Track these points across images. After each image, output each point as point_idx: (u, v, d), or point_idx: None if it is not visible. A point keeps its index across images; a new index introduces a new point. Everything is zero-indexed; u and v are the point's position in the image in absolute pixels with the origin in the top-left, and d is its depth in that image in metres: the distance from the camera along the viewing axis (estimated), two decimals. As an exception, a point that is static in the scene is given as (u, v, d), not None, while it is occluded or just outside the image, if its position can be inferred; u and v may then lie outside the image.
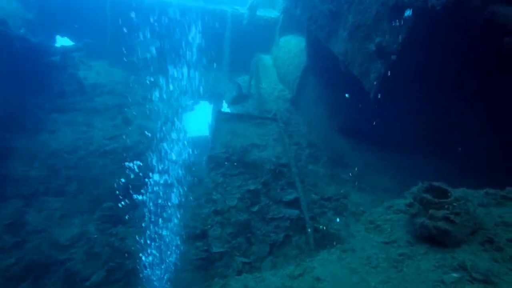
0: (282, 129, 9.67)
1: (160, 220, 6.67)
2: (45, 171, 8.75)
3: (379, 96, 8.51)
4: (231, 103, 12.55)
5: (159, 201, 7.42)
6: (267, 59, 16.07)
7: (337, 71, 10.94)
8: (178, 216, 6.65)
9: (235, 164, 8.27)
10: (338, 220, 6.94)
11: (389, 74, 7.90)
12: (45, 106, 10.47)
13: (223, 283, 4.74)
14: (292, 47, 14.79)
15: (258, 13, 15.42)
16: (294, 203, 7.37)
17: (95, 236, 6.27)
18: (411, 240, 3.81)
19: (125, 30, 13.37)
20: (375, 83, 8.28)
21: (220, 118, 9.93)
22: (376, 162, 10.06)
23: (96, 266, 5.66)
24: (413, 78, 7.76)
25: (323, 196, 7.94)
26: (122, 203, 7.60)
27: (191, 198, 7.62)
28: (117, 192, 7.98)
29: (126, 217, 7.18)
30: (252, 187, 7.34)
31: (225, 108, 15.30)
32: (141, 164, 8.37)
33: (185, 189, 8.08)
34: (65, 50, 11.30)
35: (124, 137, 10.47)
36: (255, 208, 7.03)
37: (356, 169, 10.19)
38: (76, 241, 6.12)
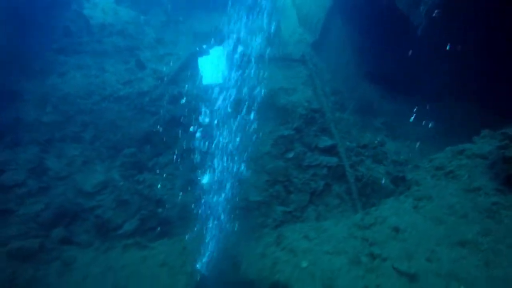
0: (313, 72, 8.82)
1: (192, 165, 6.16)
2: (59, 117, 8.12)
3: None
4: None
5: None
6: (286, -1, 14.62)
7: (370, 10, 9.81)
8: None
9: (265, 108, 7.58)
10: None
11: (443, 5, 6.91)
12: (51, 47, 9.54)
13: (278, 234, 4.32)
14: (314, -15, 13.32)
15: None
16: (330, 150, 6.81)
17: (121, 183, 5.79)
18: (501, 188, 3.26)
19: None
20: (424, 16, 7.29)
21: (244, 60, 9.04)
22: (408, 111, 9.36)
23: (127, 214, 5.25)
24: (467, 13, 6.78)
25: (359, 144, 7.35)
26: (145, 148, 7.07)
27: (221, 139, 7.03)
28: (138, 138, 7.41)
29: (150, 164, 6.65)
30: (285, 133, 6.72)
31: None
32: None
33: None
34: (68, -15, 10.07)
35: (138, 81, 9.67)
36: (290, 155, 6.49)
37: (388, 118, 9.53)
38: (102, 188, 5.67)
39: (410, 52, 8.17)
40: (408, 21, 7.45)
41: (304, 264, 3.47)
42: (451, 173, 3.82)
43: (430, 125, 8.08)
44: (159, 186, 5.80)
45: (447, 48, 7.39)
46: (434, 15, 6.93)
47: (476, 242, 2.66)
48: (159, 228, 5.10)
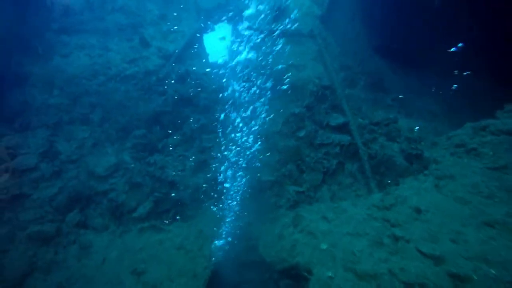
0: (323, 47, 8.52)
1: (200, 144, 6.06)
2: (65, 99, 8.01)
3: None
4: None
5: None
6: (292, -31, 13.97)
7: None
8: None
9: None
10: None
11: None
12: (51, 27, 9.28)
13: (294, 214, 4.26)
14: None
15: None
16: (342, 128, 6.66)
17: (132, 165, 5.74)
18: (529, 166, 3.13)
19: None
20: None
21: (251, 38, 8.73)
22: (419, 86, 9.09)
23: (141, 197, 5.23)
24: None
25: (372, 121, 7.17)
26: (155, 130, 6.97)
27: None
28: (146, 119, 7.30)
29: (160, 145, 6.58)
30: (296, 111, 6.56)
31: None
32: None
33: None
34: (66, -41, 9.65)
35: (144, 60, 9.44)
36: (302, 133, 6.36)
37: (399, 94, 9.28)
38: (114, 171, 5.63)
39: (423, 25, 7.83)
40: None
41: (324, 246, 3.42)
42: (473, 151, 3.68)
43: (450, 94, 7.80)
44: (170, 167, 5.75)
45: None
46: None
47: (505, 223, 2.57)
48: (173, 211, 5.08)
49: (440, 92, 8.60)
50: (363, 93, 9.23)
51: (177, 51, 9.59)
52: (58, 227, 4.41)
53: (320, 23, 12.30)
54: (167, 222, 4.81)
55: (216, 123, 6.53)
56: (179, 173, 5.61)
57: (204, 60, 10.60)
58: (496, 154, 3.46)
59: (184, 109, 7.50)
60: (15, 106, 7.51)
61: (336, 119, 6.74)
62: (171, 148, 6.46)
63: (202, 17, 12.32)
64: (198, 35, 11.22)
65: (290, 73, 7.84)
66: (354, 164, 6.04)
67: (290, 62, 8.16)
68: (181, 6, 12.01)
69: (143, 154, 6.10)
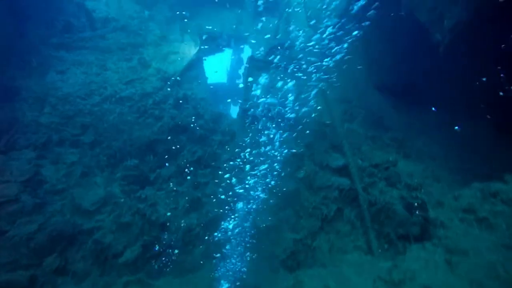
0: (325, 82, 8.42)
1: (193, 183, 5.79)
2: (57, 118, 7.67)
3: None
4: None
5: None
6: (295, -2, 14.11)
7: (384, 18, 9.35)
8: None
9: (273, 119, 7.21)
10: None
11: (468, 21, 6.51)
12: (50, 42, 9.03)
13: (295, 280, 3.98)
14: (326, -15, 12.83)
15: None
16: (342, 170, 6.46)
17: (122, 200, 5.41)
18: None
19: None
20: (448, 31, 6.89)
21: (252, 66, 8.60)
22: (419, 125, 9.01)
23: (129, 239, 4.87)
24: (496, 28, 6.38)
25: (371, 163, 7.00)
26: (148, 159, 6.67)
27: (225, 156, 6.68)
28: (140, 146, 7.00)
29: (152, 177, 6.26)
30: (295, 151, 6.36)
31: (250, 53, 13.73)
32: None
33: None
34: (70, -25, 9.51)
35: (141, 82, 9.22)
36: (301, 174, 6.13)
37: (398, 132, 9.18)
38: (102, 206, 5.28)
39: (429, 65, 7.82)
40: (427, 32, 7.05)
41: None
42: (485, 221, 3.49)
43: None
44: (162, 204, 5.43)
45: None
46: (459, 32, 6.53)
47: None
48: (163, 258, 4.70)
49: (439, 133, 8.51)
50: (362, 128, 9.10)
51: (176, 76, 9.39)
52: (32, 276, 3.99)
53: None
54: (155, 275, 4.45)
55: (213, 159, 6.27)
56: (171, 211, 5.29)
57: (202, 84, 10.45)
58: (510, 228, 3.26)
59: (180, 138, 7.23)
60: (2, 122, 7.14)
61: (336, 160, 6.55)
62: (163, 181, 6.14)
63: (204, 40, 12.25)
64: (198, 58, 11.10)
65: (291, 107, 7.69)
66: (353, 210, 5.82)
67: (291, 95, 8.01)
68: (184, 28, 11.93)
69: (134, 187, 5.77)
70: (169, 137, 6.85)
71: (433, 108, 7.16)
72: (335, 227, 5.49)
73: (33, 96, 7.87)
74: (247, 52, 14.24)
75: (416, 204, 5.81)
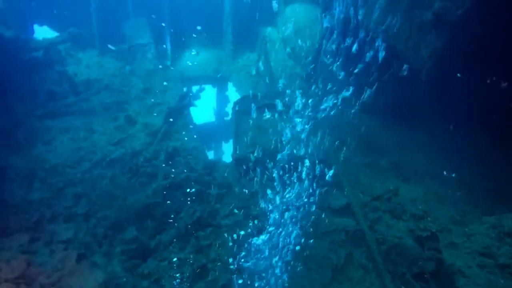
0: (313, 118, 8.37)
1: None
2: (47, 192, 7.47)
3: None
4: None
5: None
6: (273, 32, 14.38)
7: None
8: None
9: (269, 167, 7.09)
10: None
11: (446, 48, 6.60)
12: (34, 113, 8.93)
13: None
14: (300, 17, 13.13)
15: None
16: (344, 210, 6.31)
17: (124, 279, 5.15)
18: None
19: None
20: (428, 59, 6.97)
21: (240, 110, 8.57)
22: (412, 144, 8.95)
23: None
24: (472, 53, 6.47)
25: (372, 195, 6.88)
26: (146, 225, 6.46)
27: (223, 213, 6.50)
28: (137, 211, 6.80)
29: (153, 245, 6.03)
30: (296, 204, 6.21)
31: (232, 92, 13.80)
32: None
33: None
34: (49, 43, 9.56)
35: (130, 140, 9.10)
36: (303, 223, 5.94)
37: (393, 154, 9.13)
38: (104, 290, 5.00)
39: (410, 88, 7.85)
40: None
41: None
42: (507, 268, 3.32)
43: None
44: (166, 277, 5.19)
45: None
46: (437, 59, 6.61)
47: None
48: None
49: (433, 149, 8.44)
50: (356, 156, 9.03)
51: (162, 129, 9.29)
52: None
53: (305, 83, 12.40)
54: None
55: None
56: (177, 285, 5.04)
57: (191, 131, 10.34)
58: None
59: (176, 197, 7.04)
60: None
61: (337, 200, 6.41)
62: (164, 247, 5.91)
63: (188, 86, 12.29)
64: (184, 105, 11.07)
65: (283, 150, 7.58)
66: (363, 252, 5.62)
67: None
68: (167, 76, 11.98)
69: (134, 262, 5.52)
70: (165, 200, 6.64)
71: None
72: (347, 274, 5.27)
73: (21, 174, 7.67)
74: (231, 89, 14.33)
75: (425, 235, 5.66)
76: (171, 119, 9.87)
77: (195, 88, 12.03)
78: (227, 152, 14.86)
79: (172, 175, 7.50)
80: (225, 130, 14.30)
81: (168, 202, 6.78)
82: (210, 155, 14.08)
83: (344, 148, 9.23)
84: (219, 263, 5.28)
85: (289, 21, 13.73)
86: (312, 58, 11.97)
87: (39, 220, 6.86)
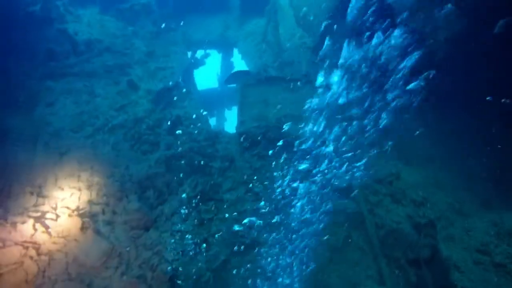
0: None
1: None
2: (51, 156, 7.43)
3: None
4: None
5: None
6: (283, -3, 13.63)
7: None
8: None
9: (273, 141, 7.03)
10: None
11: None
12: (34, 73, 8.65)
13: None
14: (313, -17, 12.38)
15: None
16: (347, 190, 6.35)
17: (128, 248, 5.28)
18: None
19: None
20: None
21: (246, 83, 8.33)
22: (416, 125, 8.85)
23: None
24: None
25: (375, 177, 6.89)
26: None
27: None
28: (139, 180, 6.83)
29: (155, 215, 6.14)
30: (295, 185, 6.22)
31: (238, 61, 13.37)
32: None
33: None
34: (46, -2, 9.03)
35: (133, 106, 8.94)
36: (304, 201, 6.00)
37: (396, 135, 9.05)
38: (108, 258, 5.12)
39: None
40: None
41: None
42: (502, 267, 3.40)
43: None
44: (168, 249, 5.33)
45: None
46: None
47: None
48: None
49: (435, 132, 8.36)
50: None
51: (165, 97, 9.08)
52: None
53: (313, 54, 12.00)
54: None
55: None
56: (179, 258, 5.18)
57: (194, 100, 10.14)
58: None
59: (179, 167, 7.06)
60: (-5, 170, 6.90)
61: (339, 180, 6.42)
62: (166, 219, 6.02)
63: (192, 50, 11.86)
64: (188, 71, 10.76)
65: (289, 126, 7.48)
66: (361, 234, 5.75)
67: (286, 112, 7.80)
68: (170, 39, 11.53)
69: (137, 232, 5.63)
70: (167, 171, 6.65)
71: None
72: (345, 256, 5.42)
73: (23, 136, 7.59)
74: (236, 56, 13.88)
75: (423, 223, 5.76)
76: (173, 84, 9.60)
77: (199, 53, 11.62)
78: (229, 119, 14.74)
79: (175, 146, 7.46)
80: (228, 97, 14.02)
81: (170, 173, 6.78)
82: (213, 121, 13.97)
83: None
84: (220, 238, 5.38)
85: (301, -14, 12.98)
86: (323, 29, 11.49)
87: (43, 184, 6.89)
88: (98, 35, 10.06)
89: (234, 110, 11.67)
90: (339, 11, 11.33)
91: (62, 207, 6.39)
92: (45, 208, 6.30)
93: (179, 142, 7.50)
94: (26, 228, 5.26)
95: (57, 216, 6.07)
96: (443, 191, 6.98)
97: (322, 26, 11.83)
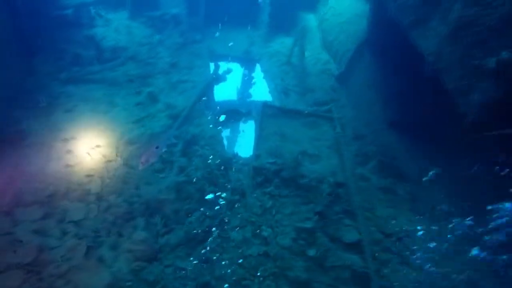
0: (340, 136, 8.01)
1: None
2: (63, 165, 7.44)
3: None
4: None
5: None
6: (310, 19, 13.45)
7: (407, 57, 8.81)
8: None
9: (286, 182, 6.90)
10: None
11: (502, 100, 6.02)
12: (58, 76, 8.69)
13: None
14: (345, 9, 12.18)
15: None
16: (355, 246, 6.18)
17: (129, 283, 5.22)
18: None
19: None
20: (477, 106, 6.39)
21: (265, 114, 8.20)
22: (435, 171, 8.58)
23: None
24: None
25: (385, 232, 6.71)
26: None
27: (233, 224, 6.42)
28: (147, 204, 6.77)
29: (160, 244, 6.06)
30: (308, 226, 6.08)
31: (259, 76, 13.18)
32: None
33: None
34: (80, 2, 9.05)
35: (150, 119, 8.89)
36: (312, 252, 5.86)
37: (412, 179, 8.80)
38: (108, 291, 5.07)
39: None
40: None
41: None
42: None
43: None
44: (169, 288, 5.24)
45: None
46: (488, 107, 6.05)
47: None
48: None
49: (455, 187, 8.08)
50: (374, 175, 8.75)
51: (184, 112, 8.99)
52: None
53: (336, 82, 11.81)
54: None
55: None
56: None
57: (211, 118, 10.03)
58: None
59: (188, 194, 6.98)
60: (7, 175, 6.92)
61: (349, 233, 6.26)
62: (171, 250, 5.95)
63: (215, 63, 11.74)
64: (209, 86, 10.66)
65: (303, 165, 7.33)
66: (364, 293, 5.58)
67: (304, 149, 7.65)
68: (194, 51, 11.46)
69: (140, 264, 5.57)
70: (177, 198, 6.58)
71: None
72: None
73: (39, 141, 7.62)
74: (258, 71, 13.73)
75: (431, 292, 5.55)
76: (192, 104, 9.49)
77: (222, 69, 11.50)
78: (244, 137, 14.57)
79: (187, 170, 7.37)
80: (243, 107, 13.87)
81: (179, 201, 6.71)
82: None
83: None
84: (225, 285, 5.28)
85: (332, 10, 12.78)
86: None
87: (52, 194, 6.88)
88: (125, 42, 10.05)
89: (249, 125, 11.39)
90: (367, 40, 11.14)
91: (69, 221, 6.38)
92: (52, 221, 6.30)
93: (191, 167, 7.40)
94: (31, 250, 5.24)
95: (63, 232, 6.06)
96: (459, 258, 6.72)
97: (350, 54, 11.65)
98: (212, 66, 11.58)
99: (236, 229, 6.27)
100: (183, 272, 5.48)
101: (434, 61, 6.77)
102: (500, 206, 6.03)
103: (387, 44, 9.40)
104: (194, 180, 7.14)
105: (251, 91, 14.34)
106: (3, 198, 6.48)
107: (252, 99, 12.66)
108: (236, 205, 6.81)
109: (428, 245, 6.80)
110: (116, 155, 7.53)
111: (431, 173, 8.67)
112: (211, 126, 9.06)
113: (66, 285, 4.99)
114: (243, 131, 12.38)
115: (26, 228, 5.89)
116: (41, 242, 5.55)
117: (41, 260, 5.22)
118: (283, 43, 12.66)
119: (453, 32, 6.32)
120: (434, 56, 6.79)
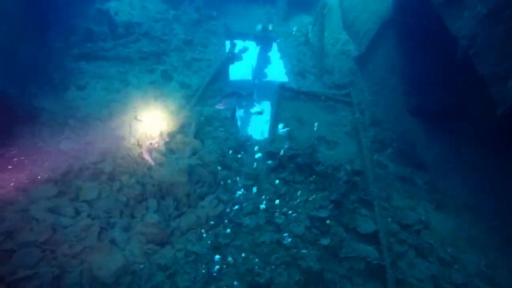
0: (359, 122, 7.67)
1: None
2: (76, 143, 7.38)
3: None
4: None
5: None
6: (334, -2, 12.73)
7: (435, 41, 8.28)
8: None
9: (301, 167, 6.69)
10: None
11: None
12: (71, 52, 8.50)
13: None
14: (368, -13, 11.46)
15: None
16: (370, 237, 6.00)
17: (142, 265, 5.19)
18: None
19: None
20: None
21: (282, 96, 7.88)
22: (455, 160, 8.19)
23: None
24: None
25: (401, 223, 6.49)
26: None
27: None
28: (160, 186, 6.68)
29: (171, 228, 6.01)
30: (322, 215, 5.90)
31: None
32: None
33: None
34: (92, -25, 8.71)
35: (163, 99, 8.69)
36: (326, 241, 5.71)
37: (432, 170, 8.46)
38: (121, 276, 5.05)
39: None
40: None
41: None
42: None
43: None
44: (181, 274, 5.19)
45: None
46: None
47: None
48: None
49: (476, 173, 7.75)
50: (392, 163, 8.46)
51: (198, 92, 8.74)
52: None
53: (355, 64, 11.33)
54: None
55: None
56: (190, 284, 5.05)
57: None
58: None
59: (201, 175, 6.85)
60: (23, 153, 6.91)
61: (366, 224, 6.06)
62: (182, 233, 5.89)
63: (231, 41, 11.35)
64: (224, 66, 10.33)
65: (320, 151, 7.07)
66: (377, 284, 5.45)
67: (321, 135, 7.36)
68: (210, 28, 11.06)
69: (152, 247, 5.53)
70: (189, 181, 6.47)
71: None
72: (359, 309, 5.16)
73: (53, 119, 7.55)
74: (274, 50, 13.26)
75: (448, 289, 5.38)
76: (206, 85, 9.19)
77: (237, 48, 11.10)
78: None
79: (200, 153, 7.22)
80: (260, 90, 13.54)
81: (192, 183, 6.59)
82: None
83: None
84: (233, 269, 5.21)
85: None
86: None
87: (67, 172, 6.85)
88: (139, 17, 9.72)
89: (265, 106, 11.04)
90: (391, 20, 10.50)
91: (82, 201, 6.36)
92: (65, 199, 6.29)
93: (204, 150, 7.24)
94: (46, 229, 5.24)
95: (77, 212, 6.04)
96: (475, 249, 6.50)
97: (371, 35, 11.05)
98: (227, 44, 11.19)
99: (249, 215, 6.14)
100: (194, 255, 5.41)
101: (467, 44, 6.27)
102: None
103: (414, 25, 8.83)
104: (208, 162, 6.99)
105: (266, 71, 13.98)
106: (19, 175, 6.49)
107: (267, 79, 12.30)
108: (249, 190, 6.67)
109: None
110: (129, 134, 7.40)
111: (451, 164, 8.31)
112: None
113: (80, 265, 4.97)
114: (259, 112, 12.10)
115: (41, 205, 5.89)
116: (55, 220, 5.54)
117: (56, 239, 5.21)
118: (302, 22, 12.10)
119: (493, 12, 5.79)
120: (468, 39, 6.28)
